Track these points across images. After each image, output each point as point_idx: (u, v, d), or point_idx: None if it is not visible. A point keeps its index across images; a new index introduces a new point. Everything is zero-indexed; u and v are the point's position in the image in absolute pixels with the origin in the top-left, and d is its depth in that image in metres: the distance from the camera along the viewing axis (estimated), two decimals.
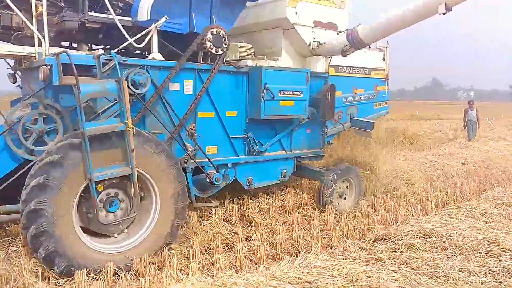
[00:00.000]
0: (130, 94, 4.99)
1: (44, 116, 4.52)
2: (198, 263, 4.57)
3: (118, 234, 4.65)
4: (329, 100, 6.91)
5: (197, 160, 5.76)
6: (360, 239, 5.56)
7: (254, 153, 6.32)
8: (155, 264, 4.61)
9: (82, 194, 4.33)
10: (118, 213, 4.61)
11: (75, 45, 5.79)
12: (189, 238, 5.39)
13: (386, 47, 8.32)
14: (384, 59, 8.32)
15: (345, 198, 7.17)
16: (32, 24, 4.62)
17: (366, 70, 7.91)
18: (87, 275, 4.13)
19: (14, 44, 4.86)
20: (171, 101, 5.49)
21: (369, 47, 7.38)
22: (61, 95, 4.74)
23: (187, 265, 4.62)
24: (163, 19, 5.18)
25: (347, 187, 7.19)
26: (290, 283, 3.56)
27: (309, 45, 6.65)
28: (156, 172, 4.67)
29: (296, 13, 6.38)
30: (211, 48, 5.54)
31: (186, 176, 5.58)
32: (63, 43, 5.74)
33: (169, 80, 5.36)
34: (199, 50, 5.62)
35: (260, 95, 5.96)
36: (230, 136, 6.11)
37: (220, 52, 5.64)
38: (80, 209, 4.39)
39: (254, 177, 6.45)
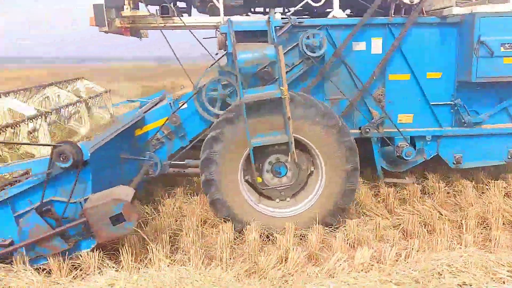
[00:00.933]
0: (307, 58, 4.83)
1: (224, 83, 4.86)
2: (473, 235, 4.20)
3: (281, 200, 4.65)
4: None
5: (384, 130, 5.10)
6: None
7: (465, 125, 5.09)
8: (424, 227, 4.48)
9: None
10: (283, 179, 4.60)
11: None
12: (462, 208, 4.96)
13: None
14: None
15: None
16: None
17: None
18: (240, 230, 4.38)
19: (210, 15, 5.35)
20: (355, 62, 4.98)
21: None
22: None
23: (459, 235, 4.32)
24: None
25: None
26: None
27: None
28: (318, 137, 4.34)
29: None
30: None
31: (372, 147, 5.08)
32: (257, 9, 5.93)
33: (351, 40, 4.85)
34: (391, 2, 4.81)
35: (471, 51, 4.68)
36: (431, 103, 5.09)
37: (416, 1, 4.68)
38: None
39: (464, 154, 5.22)
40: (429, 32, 4.94)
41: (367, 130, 5.00)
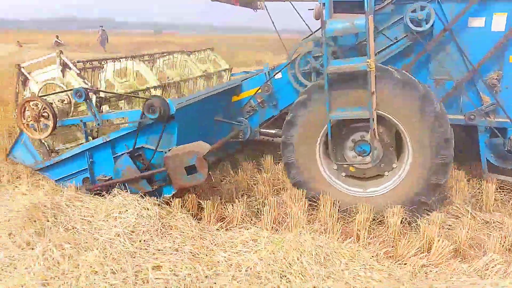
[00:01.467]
0: (411, 33, 4.49)
1: (318, 54, 4.78)
2: None
3: (362, 179, 4.48)
4: None
5: (496, 120, 4.49)
6: None
7: None
8: None
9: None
10: (367, 158, 4.41)
11: None
12: None
13: None
14: None
15: None
16: None
17: None
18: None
19: None
20: (470, 40, 4.44)
21: None
22: None
23: None
24: None
25: None
26: None
27: None
28: (407, 118, 4.04)
29: None
30: None
31: (478, 137, 4.54)
32: None
33: (467, 14, 4.32)
34: None
35: None
36: None
37: None
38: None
39: None
40: None
41: (472, 116, 4.46)
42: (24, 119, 4.28)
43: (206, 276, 3.03)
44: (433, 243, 3.55)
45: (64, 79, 4.51)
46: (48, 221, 3.62)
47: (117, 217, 3.64)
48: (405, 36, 4.57)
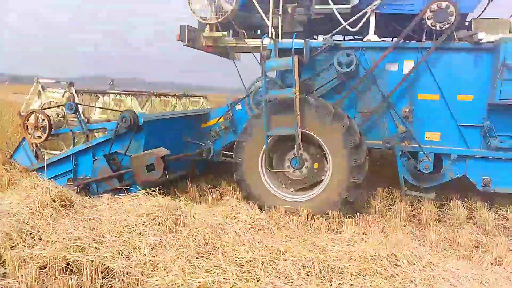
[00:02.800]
0: (340, 74, 5.60)
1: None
2: None
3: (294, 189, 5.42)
4: None
5: (411, 144, 5.47)
6: None
7: (492, 148, 5.15)
8: None
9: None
10: (302, 170, 5.37)
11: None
12: None
13: None
14: None
15: None
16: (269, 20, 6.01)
17: None
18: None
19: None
20: (387, 81, 5.53)
21: None
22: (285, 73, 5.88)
23: None
24: (377, 1, 5.39)
25: None
26: None
27: None
28: (324, 133, 5.04)
29: None
30: (433, 25, 5.13)
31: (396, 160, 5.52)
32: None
33: (384, 61, 5.45)
34: (423, 28, 5.32)
35: (497, 74, 4.87)
36: (459, 124, 5.31)
37: (445, 27, 5.11)
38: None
39: (494, 178, 5.23)
40: (461, 56, 5.26)
41: (388, 141, 5.44)
42: (27, 126, 5.38)
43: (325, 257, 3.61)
44: None
45: (63, 100, 5.65)
46: (180, 216, 4.24)
47: (234, 217, 4.49)
48: (335, 77, 5.68)
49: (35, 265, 3.34)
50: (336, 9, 5.65)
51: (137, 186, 5.01)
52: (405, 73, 5.46)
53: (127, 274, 3.31)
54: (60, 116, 5.51)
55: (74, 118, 5.45)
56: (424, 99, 5.45)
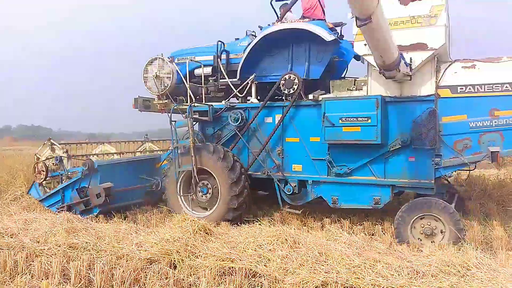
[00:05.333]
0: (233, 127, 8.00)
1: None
2: None
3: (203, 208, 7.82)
4: (428, 125, 6.41)
5: (284, 174, 7.63)
6: None
7: (334, 175, 7.16)
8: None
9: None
10: (207, 195, 7.76)
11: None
12: None
13: None
14: None
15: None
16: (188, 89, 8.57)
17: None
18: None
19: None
20: (265, 130, 7.83)
21: None
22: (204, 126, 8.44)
23: None
24: (252, 76, 7.83)
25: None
26: None
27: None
28: (216, 170, 7.43)
29: (365, 44, 6.60)
30: (285, 90, 7.42)
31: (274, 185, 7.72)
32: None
33: (258, 116, 7.77)
34: (282, 92, 7.58)
35: (322, 123, 6.98)
36: (312, 158, 7.40)
37: (291, 91, 7.36)
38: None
39: (340, 197, 7.18)
40: (308, 110, 7.44)
41: (264, 172, 7.68)
42: (35, 171, 8.41)
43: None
44: None
45: (60, 153, 8.65)
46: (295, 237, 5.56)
47: (335, 239, 5.72)
48: (232, 129, 8.09)
49: (203, 271, 4.90)
50: (230, 81, 8.16)
51: (97, 209, 7.73)
52: (276, 123, 7.73)
53: (268, 275, 4.69)
54: (54, 164, 8.50)
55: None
56: (290, 141, 7.64)
